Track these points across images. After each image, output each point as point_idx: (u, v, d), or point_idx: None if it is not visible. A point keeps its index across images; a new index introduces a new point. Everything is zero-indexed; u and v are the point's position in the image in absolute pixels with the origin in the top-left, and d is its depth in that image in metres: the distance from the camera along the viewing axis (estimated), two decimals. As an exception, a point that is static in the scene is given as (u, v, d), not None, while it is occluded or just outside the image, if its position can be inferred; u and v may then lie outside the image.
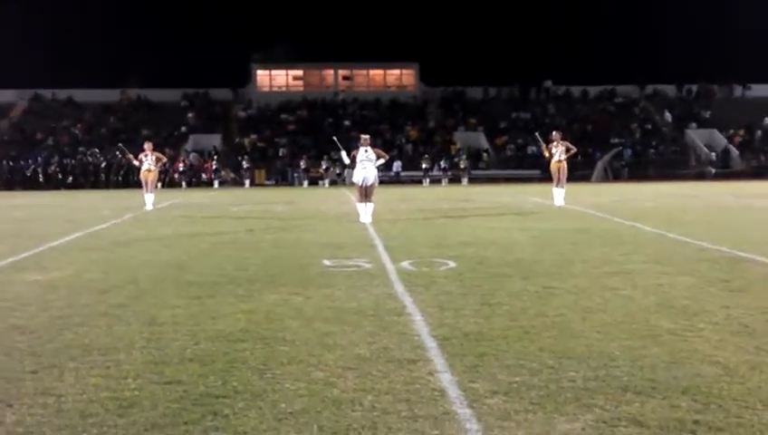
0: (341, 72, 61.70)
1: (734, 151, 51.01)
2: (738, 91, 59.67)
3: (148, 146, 23.36)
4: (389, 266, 9.84)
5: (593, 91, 59.59)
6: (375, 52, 61.03)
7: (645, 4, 70.56)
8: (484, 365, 5.17)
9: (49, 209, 24.06)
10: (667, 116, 56.29)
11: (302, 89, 60.76)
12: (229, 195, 34.16)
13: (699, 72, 59.28)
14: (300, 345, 5.76)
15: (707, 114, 56.06)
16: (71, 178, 45.07)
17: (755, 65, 58.55)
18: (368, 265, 9.98)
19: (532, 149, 48.70)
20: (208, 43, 67.41)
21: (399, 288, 8.21)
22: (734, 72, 59.48)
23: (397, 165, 47.67)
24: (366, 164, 16.75)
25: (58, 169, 45.77)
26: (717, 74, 59.45)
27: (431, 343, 5.75)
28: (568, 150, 22.45)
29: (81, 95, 56.51)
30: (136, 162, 23.63)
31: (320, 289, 8.21)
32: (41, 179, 44.96)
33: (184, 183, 45.86)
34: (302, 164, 48.14)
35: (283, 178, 49.41)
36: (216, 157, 49.76)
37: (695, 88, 59.67)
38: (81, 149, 49.51)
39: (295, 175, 48.48)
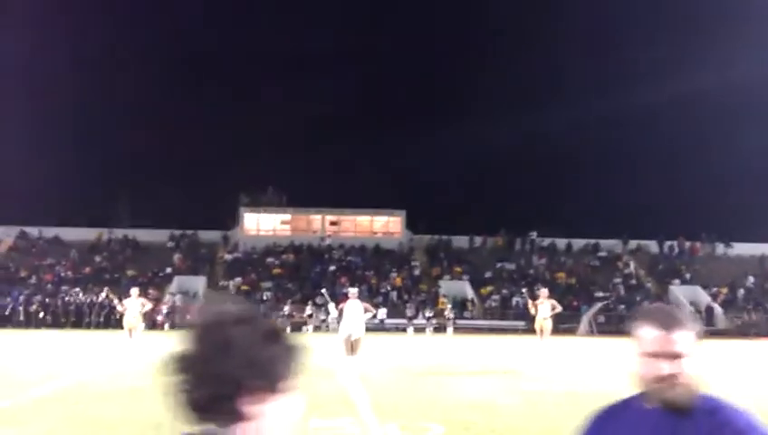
0: (328, 218, 62.21)
1: (718, 309, 51.13)
2: (720, 248, 60.38)
3: (134, 292, 23.09)
4: (375, 429, 9.62)
5: (577, 243, 60.19)
6: (362, 198, 62.01)
7: (627, 162, 72.69)
8: None
9: (29, 351, 23.61)
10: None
11: (289, 233, 61.14)
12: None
13: (682, 230, 60.34)
14: None
15: (690, 271, 56.51)
16: (50, 318, 44.54)
17: (736, 224, 59.65)
18: (353, 428, 9.75)
19: (517, 300, 48.74)
20: (198, 185, 68.51)
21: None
22: (715, 231, 60.46)
23: (381, 312, 47.37)
24: (353, 318, 16.74)
25: (39, 308, 45.28)
26: (699, 232, 60.45)
27: None
28: (553, 308, 22.43)
29: (68, 233, 56.58)
30: (121, 307, 23.32)
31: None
32: (21, 318, 44.39)
33: (167, 325, 45.36)
34: (286, 309, 47.83)
35: (266, 323, 48.87)
36: (200, 300, 49.44)
37: (676, 244, 60.34)
38: (64, 288, 49.13)
39: (279, 320, 48.10)
